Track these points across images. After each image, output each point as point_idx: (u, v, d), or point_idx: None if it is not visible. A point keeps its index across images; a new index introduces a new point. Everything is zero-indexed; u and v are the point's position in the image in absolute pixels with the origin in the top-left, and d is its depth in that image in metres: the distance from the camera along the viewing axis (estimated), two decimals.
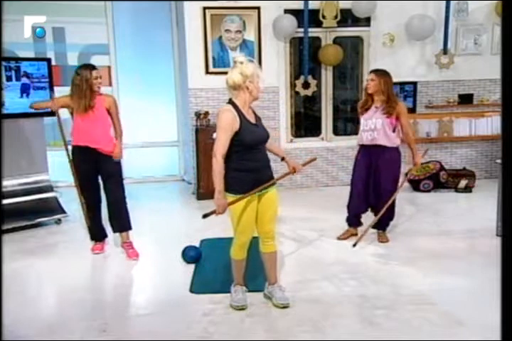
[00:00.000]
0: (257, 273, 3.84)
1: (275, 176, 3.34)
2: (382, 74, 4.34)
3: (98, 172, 4.30)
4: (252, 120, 3.18)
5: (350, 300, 3.38)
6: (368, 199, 4.54)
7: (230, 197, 3.15)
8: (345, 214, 4.72)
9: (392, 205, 4.51)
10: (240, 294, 3.38)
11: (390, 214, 4.55)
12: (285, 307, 3.29)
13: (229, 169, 3.13)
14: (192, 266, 4.04)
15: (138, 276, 4.10)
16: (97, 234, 4.46)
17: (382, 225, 4.59)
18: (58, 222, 5.34)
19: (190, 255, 4.13)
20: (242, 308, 3.29)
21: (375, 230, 4.63)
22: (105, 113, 4.25)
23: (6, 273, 3.76)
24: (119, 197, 4.33)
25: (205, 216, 3.13)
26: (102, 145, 4.20)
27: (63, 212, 5.37)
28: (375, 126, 4.33)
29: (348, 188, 4.69)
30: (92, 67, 4.18)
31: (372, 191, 4.47)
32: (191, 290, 3.61)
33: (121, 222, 4.38)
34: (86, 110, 4.13)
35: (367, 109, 4.39)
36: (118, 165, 4.32)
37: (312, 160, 3.80)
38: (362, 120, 4.42)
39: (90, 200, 4.36)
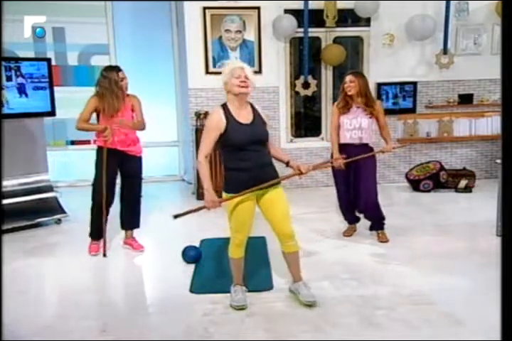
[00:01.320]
0: (256, 273, 3.85)
1: (280, 175, 3.33)
2: (360, 75, 4.41)
3: (118, 173, 4.35)
4: (245, 120, 3.16)
5: (350, 300, 3.38)
6: (352, 198, 4.56)
7: (226, 197, 3.20)
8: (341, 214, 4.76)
9: (378, 204, 4.52)
10: (240, 294, 3.38)
11: (379, 214, 4.55)
12: (310, 305, 3.28)
13: (225, 168, 3.22)
14: (192, 266, 4.04)
15: (138, 276, 4.10)
16: (99, 232, 4.40)
17: (377, 225, 4.60)
18: (58, 222, 5.34)
19: (190, 255, 4.13)
20: (241, 308, 3.29)
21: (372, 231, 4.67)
22: (131, 113, 4.30)
23: (6, 273, 3.77)
24: (137, 196, 4.47)
25: (176, 216, 3.18)
26: (130, 147, 4.27)
27: (63, 212, 5.38)
28: (360, 125, 4.37)
29: None
30: (118, 69, 4.23)
31: (353, 189, 4.49)
32: (191, 290, 3.61)
33: (135, 220, 4.51)
34: (117, 112, 4.16)
35: (348, 109, 4.40)
36: (141, 165, 4.40)
37: (325, 163, 3.77)
38: (345, 120, 4.40)
39: (103, 202, 4.29)
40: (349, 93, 4.34)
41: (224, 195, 3.22)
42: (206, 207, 3.16)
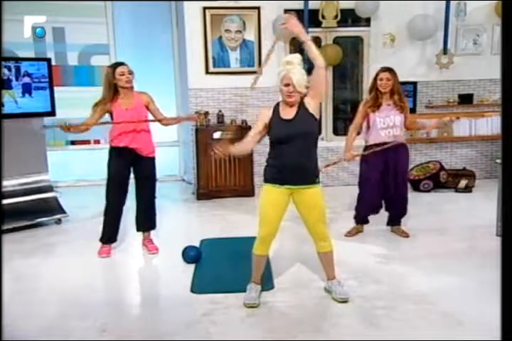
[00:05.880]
0: None
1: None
2: (394, 72, 4.34)
3: (130, 174, 4.28)
4: (288, 116, 3.19)
5: (350, 300, 3.37)
6: (383, 194, 4.54)
7: (264, 185, 3.31)
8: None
9: (407, 200, 4.61)
10: (253, 292, 3.38)
11: (406, 208, 4.64)
12: (344, 301, 3.33)
13: (266, 160, 3.33)
14: (192, 266, 4.03)
15: (138, 276, 4.10)
16: (111, 237, 4.37)
17: (398, 221, 4.70)
18: (58, 222, 5.34)
19: (190, 255, 4.12)
20: (251, 306, 3.30)
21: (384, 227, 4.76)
22: (144, 111, 4.19)
23: (6, 273, 3.77)
24: (152, 198, 4.41)
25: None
26: (142, 145, 4.17)
27: (63, 212, 5.37)
28: (393, 123, 4.32)
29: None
30: (117, 64, 4.14)
31: (392, 185, 4.46)
32: (191, 290, 3.61)
33: (150, 222, 4.49)
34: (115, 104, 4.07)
35: (378, 106, 4.35)
36: (154, 166, 4.32)
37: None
38: (377, 118, 4.33)
39: (116, 202, 4.28)
40: (384, 90, 4.28)
41: (263, 185, 3.32)
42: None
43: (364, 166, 4.54)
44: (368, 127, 4.43)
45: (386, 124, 4.33)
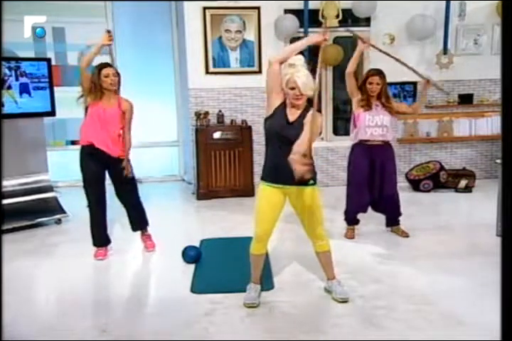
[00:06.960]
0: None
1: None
2: (384, 75, 4.43)
3: (105, 175, 4.23)
4: (291, 118, 3.16)
5: (350, 300, 3.37)
6: (370, 193, 4.57)
7: (260, 183, 3.30)
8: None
9: (398, 201, 4.66)
10: (252, 292, 3.38)
11: (399, 208, 4.69)
12: (344, 301, 3.34)
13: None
14: (192, 266, 4.03)
15: (138, 276, 4.10)
16: (100, 240, 4.35)
17: (395, 221, 4.74)
18: (58, 222, 5.34)
19: (190, 255, 4.13)
20: (251, 306, 3.29)
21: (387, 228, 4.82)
22: (119, 115, 4.10)
23: (6, 273, 3.76)
24: (134, 200, 4.37)
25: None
26: (110, 148, 4.10)
27: (63, 212, 5.38)
28: (382, 123, 4.40)
29: None
30: (103, 65, 4.05)
31: (378, 186, 4.52)
32: (191, 290, 3.61)
33: (140, 222, 4.48)
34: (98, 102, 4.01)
35: (370, 106, 4.41)
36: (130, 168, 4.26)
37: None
38: (367, 116, 4.39)
39: (98, 202, 4.24)
40: (372, 94, 4.39)
41: (260, 183, 3.32)
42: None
43: (351, 166, 4.62)
44: (355, 126, 4.49)
45: (374, 123, 4.40)
